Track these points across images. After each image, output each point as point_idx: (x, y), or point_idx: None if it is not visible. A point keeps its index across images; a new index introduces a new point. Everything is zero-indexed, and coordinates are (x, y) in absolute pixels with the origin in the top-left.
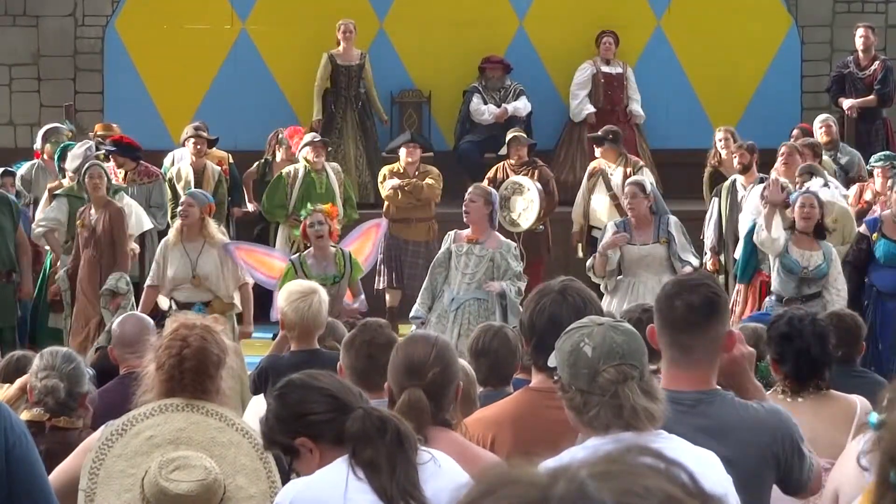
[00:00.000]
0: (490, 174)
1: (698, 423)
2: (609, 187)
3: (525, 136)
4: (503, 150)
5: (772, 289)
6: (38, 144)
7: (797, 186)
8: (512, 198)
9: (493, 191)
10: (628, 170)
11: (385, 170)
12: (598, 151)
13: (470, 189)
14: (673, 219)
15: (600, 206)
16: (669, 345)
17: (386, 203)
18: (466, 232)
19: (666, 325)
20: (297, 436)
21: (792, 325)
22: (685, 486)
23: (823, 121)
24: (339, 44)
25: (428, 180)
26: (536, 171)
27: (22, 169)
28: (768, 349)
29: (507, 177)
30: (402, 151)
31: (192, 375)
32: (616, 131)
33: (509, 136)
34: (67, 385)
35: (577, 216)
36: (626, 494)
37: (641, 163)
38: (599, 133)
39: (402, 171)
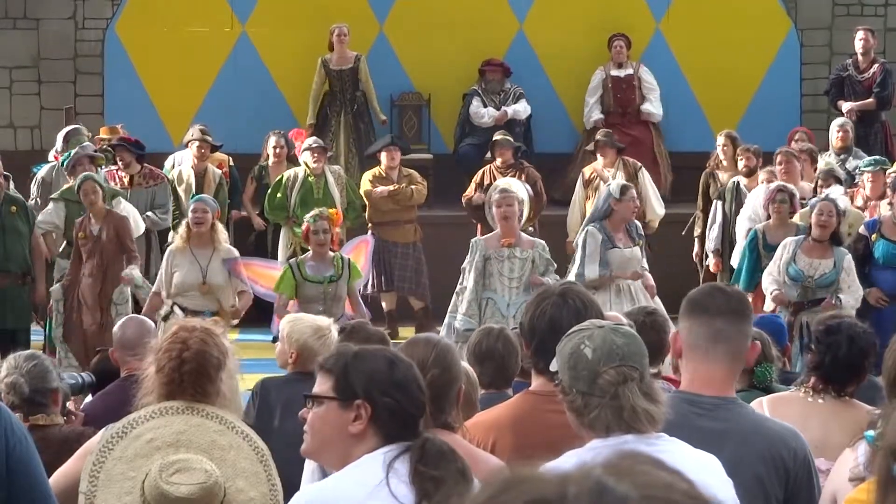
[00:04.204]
0: (476, 178)
1: (714, 427)
2: None
3: (510, 139)
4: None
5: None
6: (58, 146)
7: (819, 191)
8: None
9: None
10: (629, 172)
11: (368, 175)
12: (599, 157)
13: (502, 193)
14: (638, 223)
15: None
16: (703, 335)
17: (367, 207)
18: (492, 236)
19: (702, 312)
20: (365, 398)
21: (839, 324)
22: (694, 488)
23: (841, 125)
24: (331, 48)
25: (416, 186)
26: (523, 174)
27: (41, 171)
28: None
29: (494, 179)
30: (383, 155)
31: (192, 378)
32: (608, 132)
33: (495, 138)
34: (30, 381)
35: (574, 224)
36: (649, 487)
37: (640, 164)
38: (597, 137)
39: (383, 175)
